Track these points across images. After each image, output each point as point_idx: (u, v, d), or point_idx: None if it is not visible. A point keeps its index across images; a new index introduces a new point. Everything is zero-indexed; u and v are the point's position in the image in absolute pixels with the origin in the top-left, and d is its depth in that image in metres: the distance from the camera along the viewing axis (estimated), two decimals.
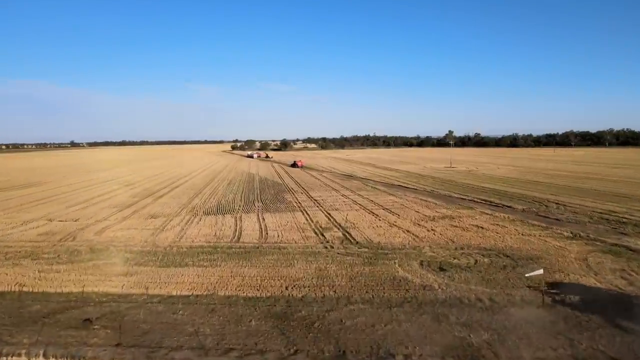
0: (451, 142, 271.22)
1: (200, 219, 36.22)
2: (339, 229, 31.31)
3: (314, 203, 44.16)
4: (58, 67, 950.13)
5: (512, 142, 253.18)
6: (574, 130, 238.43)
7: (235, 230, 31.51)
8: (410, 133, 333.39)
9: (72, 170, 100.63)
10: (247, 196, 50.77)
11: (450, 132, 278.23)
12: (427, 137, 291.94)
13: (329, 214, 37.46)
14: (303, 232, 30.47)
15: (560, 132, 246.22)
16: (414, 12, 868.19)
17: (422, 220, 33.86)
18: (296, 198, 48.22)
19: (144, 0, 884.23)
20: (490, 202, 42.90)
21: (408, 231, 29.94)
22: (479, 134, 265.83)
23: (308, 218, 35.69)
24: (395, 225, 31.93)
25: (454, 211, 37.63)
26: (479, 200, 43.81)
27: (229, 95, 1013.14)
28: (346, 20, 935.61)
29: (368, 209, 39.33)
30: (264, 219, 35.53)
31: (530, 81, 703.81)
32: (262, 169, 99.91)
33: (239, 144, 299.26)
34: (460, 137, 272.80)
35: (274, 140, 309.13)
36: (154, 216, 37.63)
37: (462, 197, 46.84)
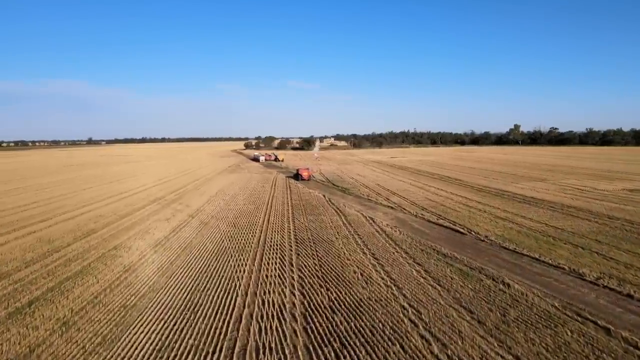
0: (518, 139, 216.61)
1: None
2: None
3: None
4: (88, 68, 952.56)
5: (602, 138, 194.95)
6: None
7: None
8: (458, 129, 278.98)
9: None
10: None
11: (517, 126, 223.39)
12: (485, 132, 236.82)
13: None
14: None
15: None
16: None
17: None
18: None
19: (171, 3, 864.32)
20: None
21: None
22: (557, 128, 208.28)
23: None
24: None
25: None
26: None
27: (254, 93, 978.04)
28: (370, 17, 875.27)
29: None
30: None
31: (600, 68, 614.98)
32: (247, 196, 49.46)
33: (254, 142, 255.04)
34: (529, 132, 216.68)
35: (301, 137, 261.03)
36: None
37: None
